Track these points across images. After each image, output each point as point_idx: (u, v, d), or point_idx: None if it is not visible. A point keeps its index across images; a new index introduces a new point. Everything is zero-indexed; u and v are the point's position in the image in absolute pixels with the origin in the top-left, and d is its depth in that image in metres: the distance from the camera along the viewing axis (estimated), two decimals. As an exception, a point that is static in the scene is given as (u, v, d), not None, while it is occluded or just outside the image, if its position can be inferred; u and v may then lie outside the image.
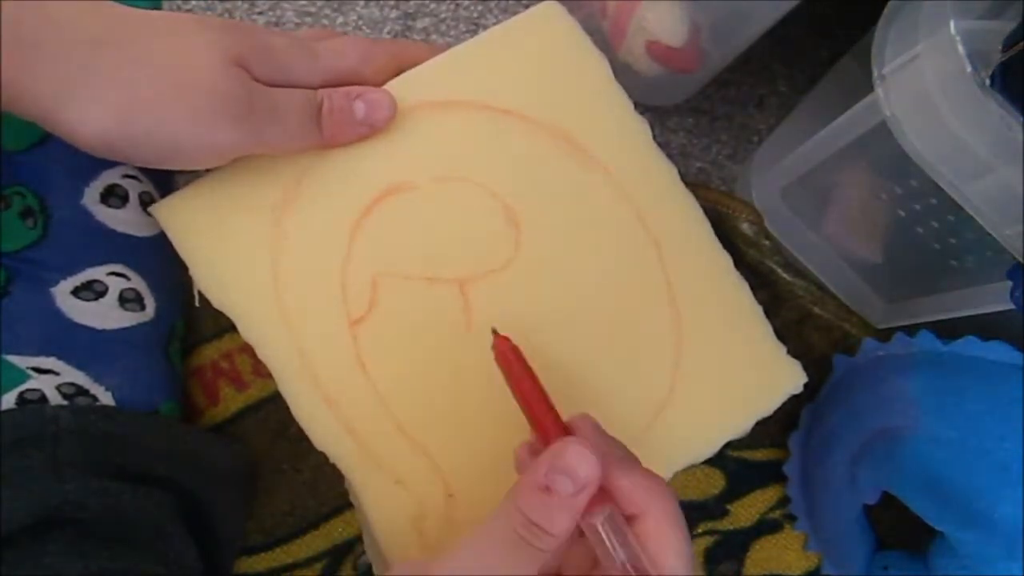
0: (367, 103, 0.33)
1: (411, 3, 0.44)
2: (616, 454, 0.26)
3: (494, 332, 0.31)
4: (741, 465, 0.43)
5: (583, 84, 0.36)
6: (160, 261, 0.36)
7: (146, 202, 0.36)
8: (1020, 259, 0.30)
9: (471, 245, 0.34)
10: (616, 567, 0.24)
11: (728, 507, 0.43)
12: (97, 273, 0.35)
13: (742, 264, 0.37)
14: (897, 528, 0.42)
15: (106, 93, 0.27)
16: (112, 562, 0.30)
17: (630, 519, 0.25)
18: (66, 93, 0.27)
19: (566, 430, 0.27)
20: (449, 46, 0.36)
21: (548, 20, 0.36)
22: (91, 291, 0.34)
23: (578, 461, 0.24)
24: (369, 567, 0.37)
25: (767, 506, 0.43)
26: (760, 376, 0.35)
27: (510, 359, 0.29)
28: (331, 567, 0.40)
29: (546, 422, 0.27)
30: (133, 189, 0.36)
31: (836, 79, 0.45)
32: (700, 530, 0.42)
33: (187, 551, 0.33)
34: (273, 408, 0.40)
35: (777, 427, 0.43)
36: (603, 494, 0.25)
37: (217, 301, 0.33)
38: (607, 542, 0.24)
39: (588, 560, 0.27)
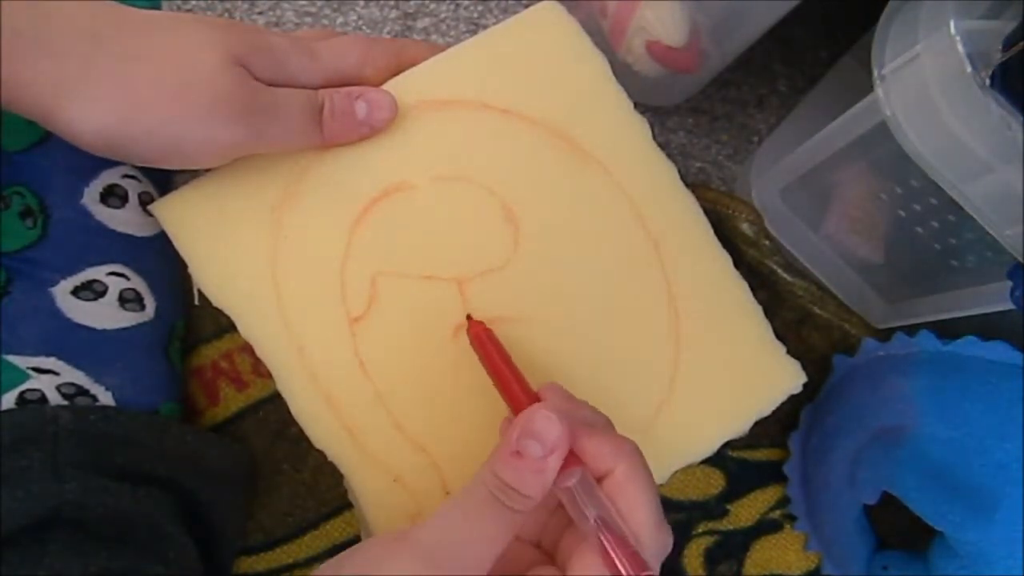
0: (368, 103, 0.33)
1: (411, 3, 0.44)
2: (584, 418, 0.28)
3: (469, 318, 0.33)
4: (741, 465, 0.43)
5: (583, 84, 0.36)
6: (160, 261, 0.36)
7: (146, 202, 0.36)
8: (1020, 259, 0.30)
9: (470, 244, 0.34)
10: (589, 525, 0.25)
11: (728, 507, 0.43)
12: (97, 273, 0.35)
13: (742, 264, 0.37)
14: (897, 528, 0.42)
15: (106, 91, 0.27)
16: (112, 562, 0.30)
17: (599, 479, 0.26)
18: (66, 91, 0.27)
19: (536, 399, 0.28)
20: (449, 46, 0.36)
21: (548, 20, 0.36)
22: (91, 291, 0.34)
23: (545, 426, 0.26)
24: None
25: (767, 506, 0.43)
26: (760, 376, 0.36)
27: (483, 339, 0.31)
28: (331, 567, 0.39)
29: (517, 394, 0.29)
30: (133, 189, 0.36)
31: (836, 79, 0.45)
32: (700, 530, 0.42)
33: (187, 551, 0.33)
34: (273, 408, 0.40)
35: (777, 427, 0.43)
36: (573, 458, 0.26)
37: (217, 300, 0.33)
38: (579, 502, 0.25)
39: (564, 528, 0.28)
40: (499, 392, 0.30)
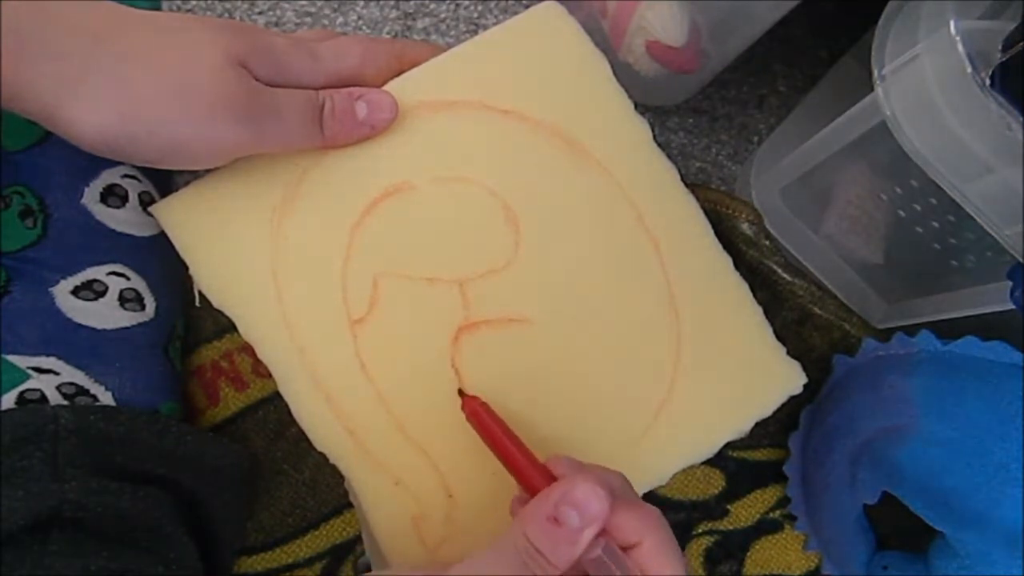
0: (369, 104, 0.33)
1: (411, 3, 0.44)
2: (604, 485, 0.27)
3: (461, 393, 0.32)
4: (741, 465, 0.43)
5: (583, 84, 0.36)
6: (160, 261, 0.36)
7: (146, 202, 0.36)
8: (1020, 259, 0.30)
9: (471, 245, 0.34)
10: None
11: (728, 507, 0.43)
12: (97, 273, 0.35)
13: (742, 264, 0.37)
14: (897, 528, 0.42)
15: (107, 91, 0.28)
16: (112, 562, 0.30)
17: (626, 549, 0.26)
18: (66, 91, 0.27)
19: (548, 473, 0.28)
20: (449, 46, 0.36)
21: (548, 20, 0.36)
22: (91, 291, 0.34)
23: (590, 497, 0.25)
24: (369, 567, 0.37)
25: (767, 506, 0.43)
26: (760, 377, 0.36)
27: (480, 416, 0.30)
28: (331, 567, 0.40)
29: (530, 472, 0.28)
30: (133, 189, 0.36)
31: (836, 79, 0.45)
32: (700, 530, 0.42)
33: (187, 551, 0.33)
34: (273, 408, 0.40)
35: (777, 427, 0.43)
36: None
37: (217, 301, 0.33)
38: (610, 570, 0.25)
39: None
40: (505, 467, 0.29)
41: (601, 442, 0.34)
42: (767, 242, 0.42)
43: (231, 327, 0.33)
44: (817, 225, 0.43)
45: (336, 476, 0.33)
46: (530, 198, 0.35)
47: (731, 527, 0.43)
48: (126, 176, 0.36)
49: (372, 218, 0.34)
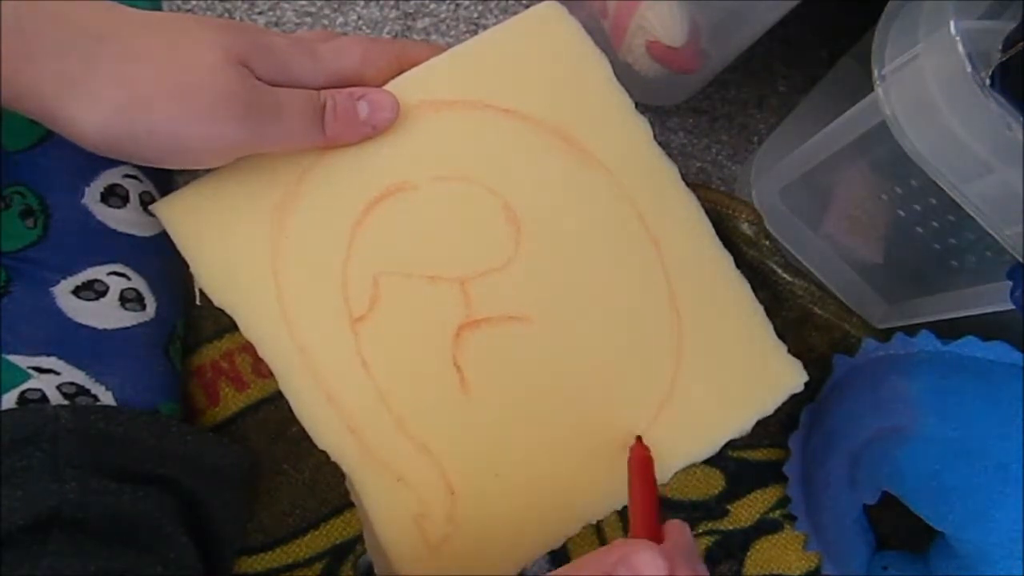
0: (370, 104, 0.33)
1: (411, 3, 0.44)
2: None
3: (638, 439, 0.33)
4: (741, 465, 0.43)
5: (584, 84, 0.36)
6: (160, 261, 0.36)
7: (147, 202, 0.36)
8: (1020, 259, 0.30)
9: (471, 244, 0.34)
10: None
11: (728, 507, 0.43)
12: (98, 273, 0.35)
13: (742, 264, 0.37)
14: (897, 528, 0.42)
15: (107, 90, 0.28)
16: (112, 562, 0.30)
17: None
18: (68, 90, 0.27)
19: (659, 533, 0.28)
20: (449, 46, 0.36)
21: (549, 20, 0.36)
22: (92, 291, 0.34)
23: (647, 564, 0.25)
24: (369, 566, 0.37)
25: (767, 506, 0.43)
26: (761, 375, 0.36)
27: (639, 466, 0.31)
28: (331, 567, 0.39)
29: (647, 524, 0.29)
30: (134, 189, 0.36)
31: (836, 79, 0.45)
32: (700, 530, 0.42)
33: (187, 551, 0.33)
34: (273, 408, 0.40)
35: (777, 427, 0.43)
36: None
37: (218, 299, 0.33)
38: None
39: None
40: (631, 515, 0.30)
41: (602, 441, 0.34)
42: (767, 242, 0.42)
43: (231, 327, 0.33)
44: (817, 225, 0.43)
45: (336, 476, 0.33)
46: (531, 197, 0.35)
47: (731, 527, 0.43)
48: (127, 176, 0.36)
49: (373, 217, 0.34)
